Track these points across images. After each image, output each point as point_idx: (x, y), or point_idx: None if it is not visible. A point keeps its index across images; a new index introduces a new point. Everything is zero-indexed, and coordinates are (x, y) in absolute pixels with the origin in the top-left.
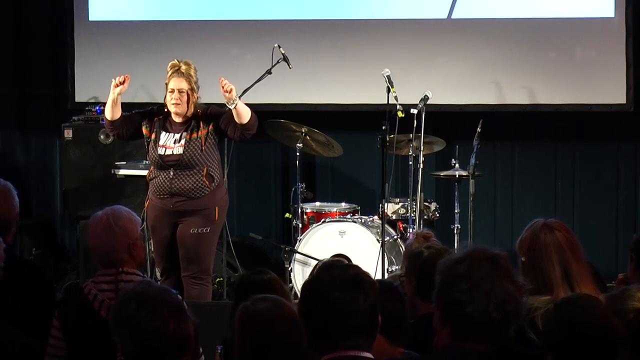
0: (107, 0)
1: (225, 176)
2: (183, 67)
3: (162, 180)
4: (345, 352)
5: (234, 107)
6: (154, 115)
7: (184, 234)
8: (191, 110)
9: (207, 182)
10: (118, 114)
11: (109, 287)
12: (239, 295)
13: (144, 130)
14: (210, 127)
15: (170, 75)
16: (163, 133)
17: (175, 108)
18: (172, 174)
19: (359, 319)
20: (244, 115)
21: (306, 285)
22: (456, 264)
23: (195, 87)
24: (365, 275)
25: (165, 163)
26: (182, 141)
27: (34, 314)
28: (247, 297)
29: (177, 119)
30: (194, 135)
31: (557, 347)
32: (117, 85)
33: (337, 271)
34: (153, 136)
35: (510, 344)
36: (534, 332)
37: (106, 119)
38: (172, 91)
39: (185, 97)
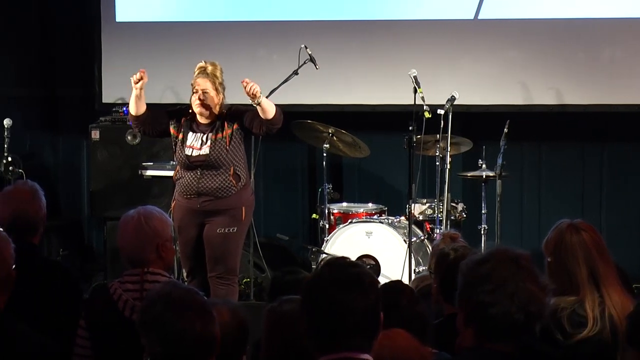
0: (134, 1)
1: (252, 177)
2: (209, 68)
3: (189, 180)
4: (343, 354)
5: (259, 104)
6: (181, 115)
7: (210, 234)
8: (216, 110)
9: (234, 182)
10: (142, 108)
11: (133, 287)
12: (273, 295)
13: (172, 130)
14: (235, 126)
15: (196, 75)
16: (190, 134)
17: (199, 108)
18: (199, 173)
19: (358, 318)
20: (269, 110)
21: (306, 282)
22: (479, 265)
23: (220, 88)
24: (367, 274)
25: (192, 163)
26: (208, 142)
27: (61, 315)
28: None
29: (203, 120)
30: (219, 135)
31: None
32: (137, 82)
33: (337, 269)
34: (180, 136)
35: (535, 344)
36: (560, 332)
37: (130, 114)
38: (197, 91)
39: (209, 98)
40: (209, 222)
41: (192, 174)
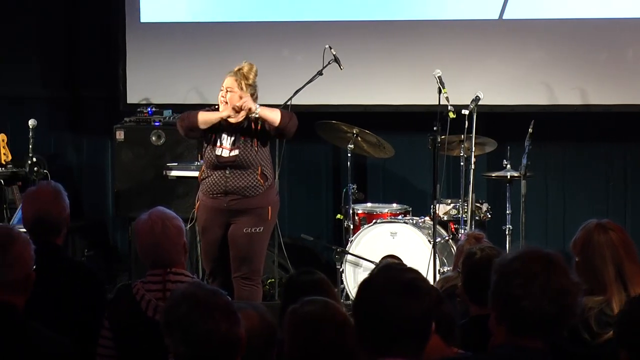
0: (158, 2)
1: (277, 177)
2: (245, 69)
3: (216, 179)
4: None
5: (257, 117)
6: None
7: (236, 234)
8: (243, 112)
9: (261, 181)
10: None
11: (156, 287)
12: (287, 295)
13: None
14: (259, 127)
15: (227, 74)
16: (221, 134)
17: (222, 106)
18: (227, 172)
19: (411, 324)
20: (272, 119)
21: (361, 285)
22: (511, 262)
23: (245, 87)
24: (423, 281)
25: (220, 163)
26: (238, 142)
27: (85, 315)
28: (296, 298)
29: (231, 120)
30: (248, 136)
31: (631, 345)
32: (234, 110)
33: (393, 273)
34: (213, 136)
35: (564, 344)
36: (587, 332)
37: (195, 124)
38: (223, 89)
39: (233, 97)
40: (234, 221)
41: (219, 173)
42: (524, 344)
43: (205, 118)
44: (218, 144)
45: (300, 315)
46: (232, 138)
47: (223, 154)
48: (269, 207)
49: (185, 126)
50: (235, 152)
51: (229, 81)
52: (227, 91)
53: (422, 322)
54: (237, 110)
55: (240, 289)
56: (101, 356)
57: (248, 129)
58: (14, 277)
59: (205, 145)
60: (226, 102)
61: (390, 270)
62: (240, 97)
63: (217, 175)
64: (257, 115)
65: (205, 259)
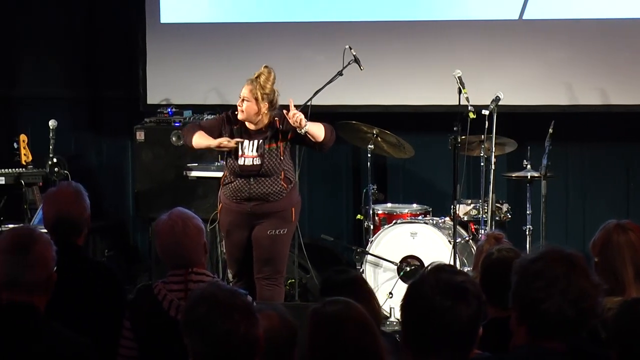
0: (178, 2)
1: (297, 178)
2: (262, 78)
3: (239, 185)
4: None
5: (306, 133)
6: (231, 123)
7: (260, 236)
8: (264, 119)
9: (284, 185)
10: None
11: (178, 287)
12: (324, 294)
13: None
14: (290, 135)
15: (246, 81)
16: (245, 142)
17: (240, 115)
18: (252, 180)
19: (457, 328)
20: (318, 135)
21: (411, 286)
22: (532, 263)
23: (261, 97)
24: (472, 283)
25: (243, 172)
26: (261, 151)
27: (106, 315)
28: (333, 296)
29: (251, 127)
30: (273, 145)
31: (622, 347)
32: (225, 145)
33: (443, 275)
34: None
35: (583, 345)
36: (606, 332)
37: (189, 144)
38: (240, 97)
39: (249, 106)
40: (258, 224)
41: (243, 180)
42: (545, 345)
43: (198, 142)
44: (240, 152)
45: (322, 315)
46: (255, 146)
47: (246, 163)
48: (292, 209)
49: (184, 142)
50: (259, 160)
51: (246, 90)
52: (242, 100)
53: (470, 326)
54: (297, 122)
55: (262, 290)
56: (122, 356)
57: (274, 138)
58: (36, 278)
59: (225, 153)
60: (242, 111)
61: (442, 272)
62: (257, 108)
63: (240, 182)
64: (306, 131)
65: (231, 261)
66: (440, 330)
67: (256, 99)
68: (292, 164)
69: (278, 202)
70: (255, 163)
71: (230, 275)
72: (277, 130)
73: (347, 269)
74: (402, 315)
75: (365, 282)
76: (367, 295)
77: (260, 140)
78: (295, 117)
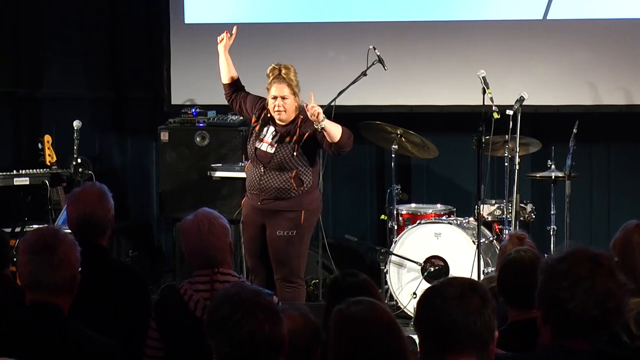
0: (202, 2)
1: (321, 178)
2: (283, 71)
3: (253, 175)
4: None
5: (322, 129)
6: (265, 107)
7: (271, 237)
8: (294, 115)
9: (294, 185)
10: (227, 76)
11: (204, 287)
12: (332, 297)
13: (253, 118)
14: (308, 133)
15: (271, 80)
16: (266, 128)
17: (279, 115)
18: (262, 170)
19: (475, 331)
20: (334, 134)
21: (424, 295)
22: (557, 263)
23: (297, 91)
24: (483, 287)
25: (257, 157)
26: (278, 141)
27: (130, 316)
28: (341, 300)
29: (280, 122)
30: (287, 139)
31: None
32: (222, 37)
33: (455, 281)
34: (257, 128)
35: (604, 346)
36: (627, 334)
37: (222, 82)
38: (275, 98)
39: (288, 103)
40: (268, 224)
41: (256, 170)
42: (570, 345)
43: (220, 69)
44: (261, 136)
45: (346, 315)
46: (275, 135)
47: (261, 147)
48: (302, 212)
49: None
50: (272, 149)
51: (282, 89)
52: (283, 98)
53: (483, 329)
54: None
55: (282, 291)
56: (148, 357)
57: (292, 133)
58: (60, 279)
59: (249, 134)
60: (284, 110)
61: (453, 280)
62: (296, 103)
63: (254, 171)
64: (322, 127)
65: (248, 255)
66: (454, 334)
67: (294, 94)
68: (313, 168)
69: (285, 201)
70: (268, 151)
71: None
72: (297, 127)
73: (356, 271)
74: (415, 323)
75: (373, 285)
76: (375, 299)
77: (283, 132)
78: (314, 109)
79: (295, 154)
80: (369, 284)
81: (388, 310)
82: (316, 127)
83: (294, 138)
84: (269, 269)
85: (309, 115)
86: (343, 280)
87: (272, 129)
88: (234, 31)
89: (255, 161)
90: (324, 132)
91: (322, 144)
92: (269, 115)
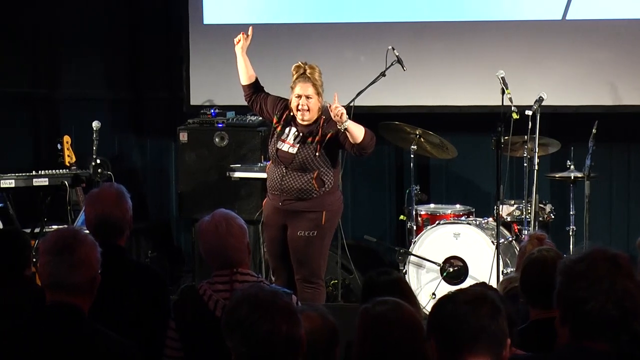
0: (221, 3)
1: (340, 187)
2: (308, 71)
3: (274, 176)
4: None
5: (345, 129)
6: (287, 108)
7: (292, 237)
8: (317, 114)
9: (315, 185)
10: (245, 77)
11: (223, 287)
12: (366, 295)
13: (274, 119)
14: (329, 135)
15: (295, 79)
16: (288, 128)
17: (302, 115)
18: (284, 171)
19: (488, 335)
20: (357, 135)
21: (437, 303)
22: (576, 264)
23: (321, 91)
24: (494, 290)
25: (279, 158)
26: (300, 142)
27: (149, 317)
28: (375, 298)
29: (303, 122)
30: (310, 139)
31: None
32: (238, 39)
33: (469, 290)
34: (279, 128)
35: (624, 346)
36: None
37: (241, 84)
38: (299, 97)
39: (312, 103)
40: (289, 224)
41: (277, 170)
42: (589, 346)
43: (239, 71)
44: (282, 137)
45: (371, 315)
46: (297, 136)
47: (282, 148)
48: (323, 212)
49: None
50: (294, 150)
51: (307, 88)
52: (307, 98)
53: (496, 334)
54: (339, 116)
55: (302, 292)
56: (168, 357)
57: (315, 133)
58: (80, 279)
59: (270, 134)
60: (307, 110)
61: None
62: (320, 103)
63: (275, 172)
64: (346, 127)
65: (269, 255)
66: (469, 339)
67: (318, 94)
68: (334, 169)
69: (307, 202)
70: (290, 151)
71: (271, 272)
72: (319, 127)
73: (389, 270)
74: (428, 329)
75: (406, 283)
76: (408, 296)
77: (305, 133)
78: (337, 110)
79: (317, 154)
80: (403, 283)
81: (413, 311)
82: (339, 127)
83: (317, 139)
84: (290, 270)
85: (332, 116)
86: (377, 278)
87: (294, 129)
88: (249, 32)
89: (276, 162)
90: (347, 133)
91: (345, 144)
92: (291, 114)
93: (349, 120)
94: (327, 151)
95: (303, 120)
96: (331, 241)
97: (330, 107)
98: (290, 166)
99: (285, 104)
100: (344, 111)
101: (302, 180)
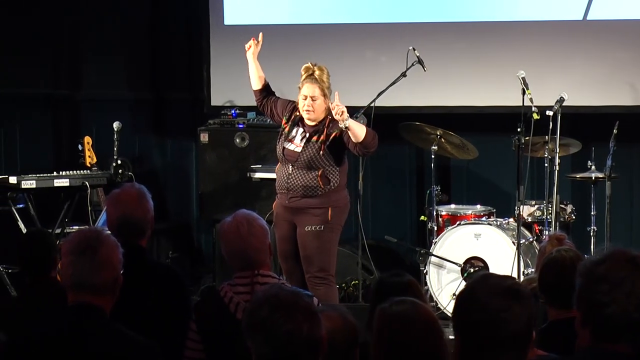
0: (242, 4)
1: (361, 179)
2: (317, 72)
3: (281, 175)
4: None
5: (346, 128)
6: (295, 109)
7: (300, 233)
8: (323, 115)
9: (320, 183)
10: (257, 82)
11: (245, 290)
12: (376, 297)
13: (283, 120)
14: (335, 133)
15: (303, 79)
16: (295, 129)
17: (307, 115)
18: (290, 169)
19: (513, 329)
20: (358, 134)
21: (460, 294)
22: (596, 266)
23: (328, 93)
24: (522, 285)
25: (285, 157)
26: (305, 141)
27: (170, 318)
28: (385, 300)
29: (309, 122)
30: (315, 138)
31: None
32: (249, 45)
33: (493, 280)
34: (287, 129)
35: None
36: None
37: (253, 89)
38: (305, 97)
39: (317, 104)
40: (297, 221)
41: (284, 169)
42: (610, 348)
43: (250, 76)
44: (290, 137)
45: (388, 314)
46: (303, 136)
47: (289, 147)
48: (329, 208)
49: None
50: (299, 149)
51: (313, 89)
52: (312, 98)
53: (525, 326)
54: (339, 115)
55: (314, 289)
56: (189, 358)
57: (320, 132)
58: (102, 280)
59: (278, 135)
60: (312, 110)
61: (491, 278)
62: (325, 104)
63: (282, 171)
64: (346, 125)
65: (280, 256)
66: (497, 333)
67: (324, 96)
68: (340, 168)
69: (313, 199)
70: (295, 150)
71: (283, 276)
72: (324, 127)
73: (401, 272)
74: (455, 327)
75: (418, 286)
76: (419, 299)
77: (312, 132)
78: (337, 108)
79: (321, 152)
80: (414, 285)
81: (430, 310)
82: (340, 125)
83: (321, 137)
84: (302, 272)
85: (333, 114)
86: (388, 280)
87: (300, 129)
88: (260, 38)
89: (283, 161)
90: (349, 132)
91: (348, 144)
92: (298, 114)
93: (350, 119)
94: (331, 150)
95: (309, 120)
96: (350, 241)
97: (331, 104)
98: (296, 164)
99: (294, 105)
100: (345, 109)
101: (307, 178)
